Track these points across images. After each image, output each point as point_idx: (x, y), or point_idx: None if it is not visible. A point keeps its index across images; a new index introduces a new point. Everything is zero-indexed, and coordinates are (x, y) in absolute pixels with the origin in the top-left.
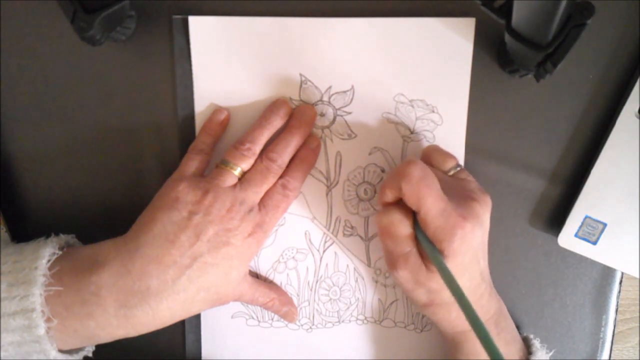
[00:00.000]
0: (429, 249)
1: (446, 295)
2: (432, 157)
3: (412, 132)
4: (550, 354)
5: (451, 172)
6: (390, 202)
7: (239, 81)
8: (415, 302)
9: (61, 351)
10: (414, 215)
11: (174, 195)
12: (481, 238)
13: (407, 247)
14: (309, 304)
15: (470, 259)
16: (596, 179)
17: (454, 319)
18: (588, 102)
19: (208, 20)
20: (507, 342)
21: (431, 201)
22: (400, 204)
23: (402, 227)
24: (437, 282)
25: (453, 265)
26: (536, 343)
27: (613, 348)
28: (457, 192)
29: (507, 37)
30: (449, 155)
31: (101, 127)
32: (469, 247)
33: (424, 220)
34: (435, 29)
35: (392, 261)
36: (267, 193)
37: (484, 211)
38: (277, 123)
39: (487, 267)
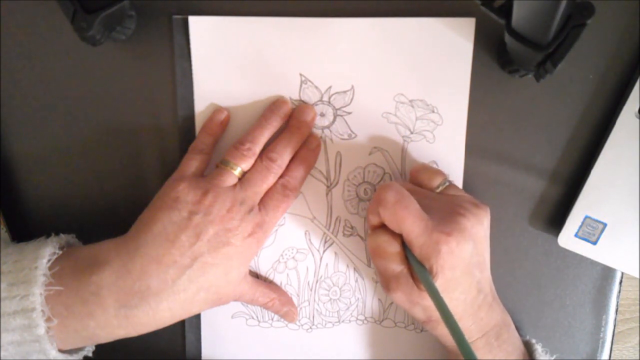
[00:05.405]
0: (416, 267)
1: None
2: (419, 176)
3: (412, 132)
4: (553, 358)
5: (439, 189)
6: (377, 225)
7: (239, 81)
8: (415, 319)
9: (61, 351)
10: (402, 236)
11: (174, 195)
12: (473, 251)
13: (398, 267)
14: (309, 304)
15: (461, 272)
16: (596, 179)
17: None
18: (588, 102)
19: (208, 20)
20: (509, 353)
21: (410, 222)
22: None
23: (391, 247)
24: (430, 300)
25: (443, 281)
26: (538, 348)
27: (613, 348)
28: (444, 208)
29: (507, 37)
30: (435, 172)
31: (101, 127)
32: (458, 262)
33: (408, 241)
34: (435, 29)
35: (386, 283)
36: (267, 193)
37: (473, 224)
38: (277, 123)
39: (489, 278)
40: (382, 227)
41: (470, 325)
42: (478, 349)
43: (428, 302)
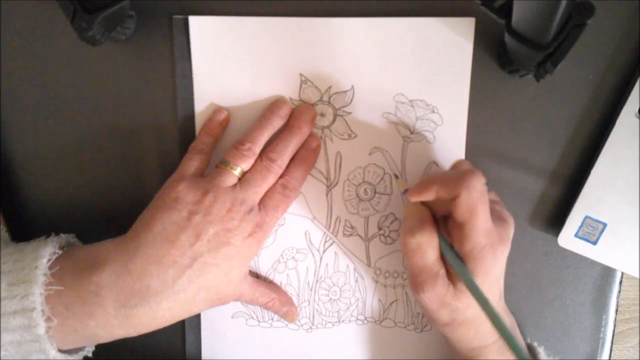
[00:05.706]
0: (459, 268)
1: (469, 313)
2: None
3: (412, 132)
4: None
5: None
6: (417, 202)
7: (239, 81)
8: (436, 322)
9: (61, 351)
10: (439, 234)
11: (174, 195)
12: (505, 259)
13: (436, 268)
14: (309, 304)
15: (495, 279)
16: (596, 179)
17: (472, 336)
18: (588, 102)
19: (208, 20)
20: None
21: (482, 219)
22: (425, 215)
23: (431, 248)
24: (462, 302)
25: (481, 284)
26: (541, 351)
27: (613, 348)
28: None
29: (507, 37)
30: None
31: (101, 127)
32: (498, 268)
33: (467, 235)
34: (435, 29)
35: (419, 283)
36: (267, 193)
37: (512, 232)
38: (277, 123)
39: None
40: (421, 222)
41: (489, 330)
42: (491, 353)
43: (460, 303)
